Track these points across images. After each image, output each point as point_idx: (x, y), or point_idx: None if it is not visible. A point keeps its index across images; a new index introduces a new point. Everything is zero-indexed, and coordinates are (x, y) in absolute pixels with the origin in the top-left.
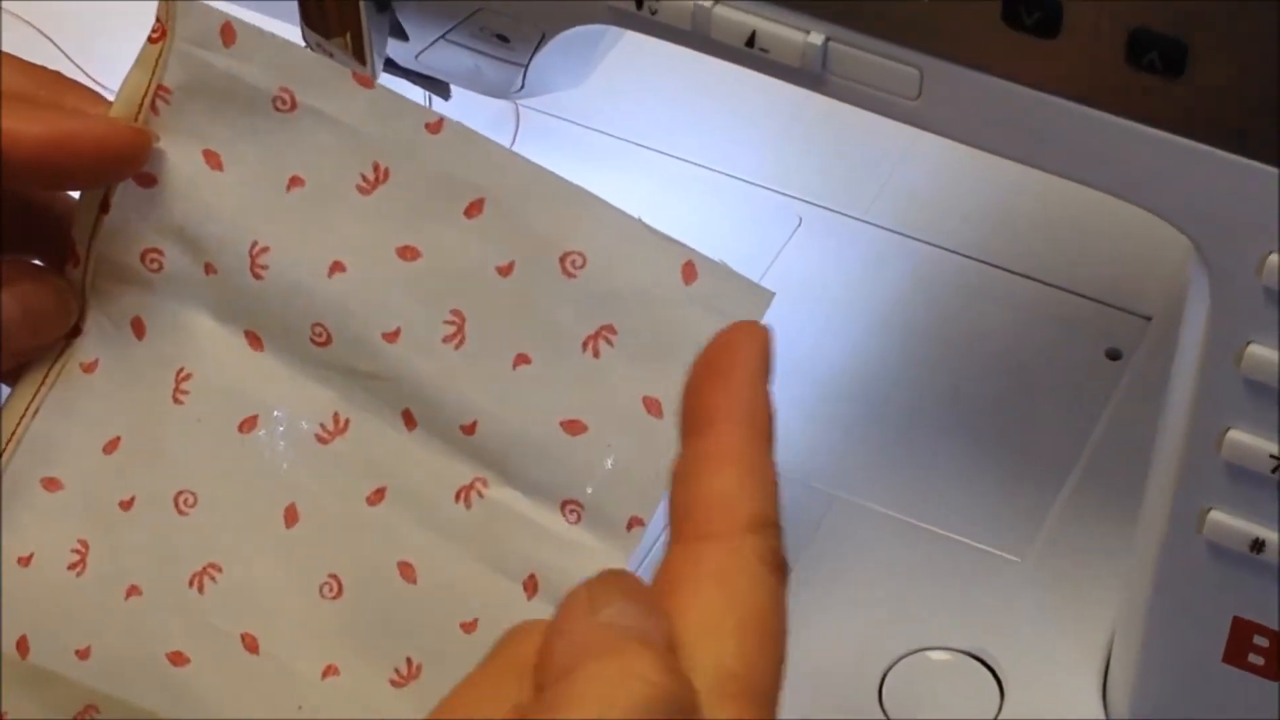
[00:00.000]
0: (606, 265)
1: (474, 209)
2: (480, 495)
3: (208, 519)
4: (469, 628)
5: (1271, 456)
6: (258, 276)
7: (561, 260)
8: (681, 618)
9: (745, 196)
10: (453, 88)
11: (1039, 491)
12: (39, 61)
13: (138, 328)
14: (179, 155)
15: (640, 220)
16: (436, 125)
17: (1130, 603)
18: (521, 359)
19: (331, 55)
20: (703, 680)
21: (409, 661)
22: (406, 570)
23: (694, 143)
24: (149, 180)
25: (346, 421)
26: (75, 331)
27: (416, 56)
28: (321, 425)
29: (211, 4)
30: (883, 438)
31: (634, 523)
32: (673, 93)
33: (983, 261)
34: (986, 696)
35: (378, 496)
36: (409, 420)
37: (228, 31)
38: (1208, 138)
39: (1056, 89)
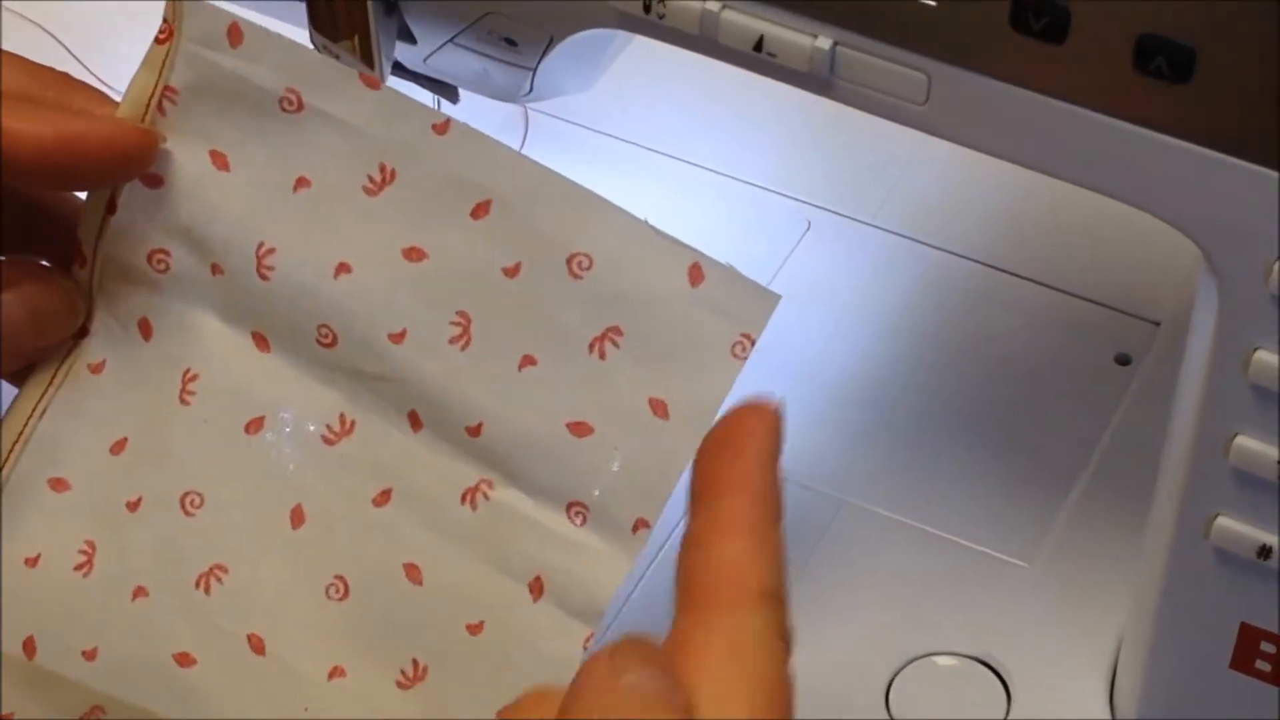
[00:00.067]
0: (613, 267)
1: (480, 210)
2: (486, 497)
3: (214, 520)
4: (475, 629)
5: (1279, 463)
6: (264, 277)
7: (568, 262)
8: (695, 686)
9: (754, 200)
10: (461, 91)
11: (1047, 497)
12: (46, 62)
13: (144, 328)
14: (186, 156)
15: (647, 222)
16: (443, 126)
17: (1138, 608)
18: (527, 360)
19: (339, 58)
20: None
21: (415, 663)
22: (412, 572)
23: (703, 147)
24: (156, 181)
25: (352, 423)
26: (82, 332)
27: (425, 60)
28: (328, 426)
29: (219, 5)
30: (891, 442)
31: (640, 525)
32: (682, 97)
33: (991, 266)
34: (993, 702)
35: (384, 498)
36: (415, 422)
37: (235, 32)
38: (1214, 144)
39: (1064, 94)
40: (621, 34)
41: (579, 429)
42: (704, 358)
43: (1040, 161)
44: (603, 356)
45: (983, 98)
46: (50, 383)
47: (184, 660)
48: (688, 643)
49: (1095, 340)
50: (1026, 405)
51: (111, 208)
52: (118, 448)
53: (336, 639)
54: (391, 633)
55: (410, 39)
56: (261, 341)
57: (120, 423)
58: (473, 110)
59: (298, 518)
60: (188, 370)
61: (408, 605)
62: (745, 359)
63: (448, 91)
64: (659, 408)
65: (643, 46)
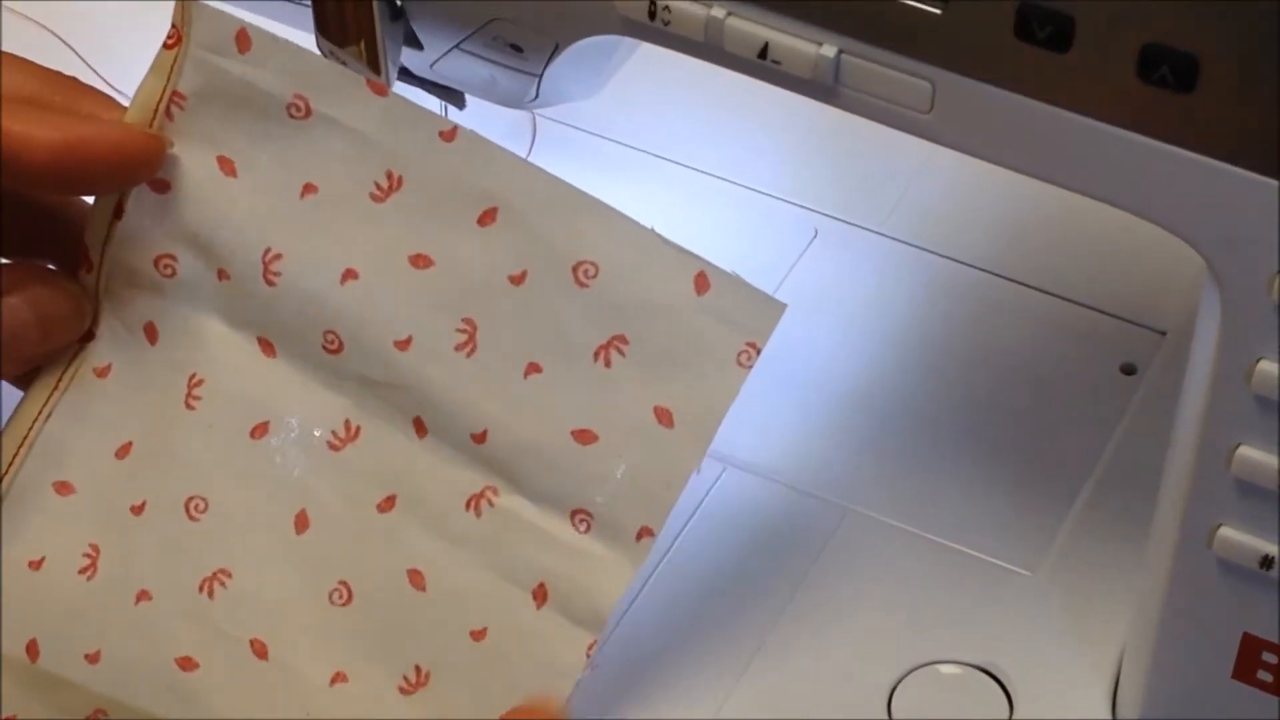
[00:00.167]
0: (619, 275)
1: (487, 217)
2: (490, 504)
3: (218, 524)
4: (478, 636)
5: None
6: (270, 283)
7: (574, 270)
8: None
9: (761, 208)
10: (468, 97)
11: (1051, 506)
12: (55, 66)
13: (150, 333)
14: (193, 161)
15: (653, 230)
16: (450, 133)
17: (1140, 618)
18: (533, 368)
19: (345, 64)
20: None
21: (418, 669)
22: (416, 578)
23: (710, 154)
24: (163, 186)
25: (358, 429)
26: (88, 336)
27: (431, 65)
28: (333, 432)
29: (226, 9)
30: (896, 450)
31: (644, 533)
32: (689, 104)
33: (998, 275)
34: (996, 711)
35: (388, 504)
36: (420, 428)
37: (243, 38)
38: (1218, 153)
39: (1068, 103)
40: (627, 41)
41: (584, 436)
42: (709, 366)
43: (1044, 170)
44: (608, 364)
45: (987, 106)
46: (56, 386)
47: (187, 664)
48: None
49: (1101, 350)
50: (1031, 414)
51: (119, 213)
52: (123, 452)
53: (339, 644)
54: (394, 638)
55: (417, 45)
56: (267, 347)
57: (125, 427)
58: (480, 116)
59: (302, 523)
60: (193, 375)
61: (411, 611)
62: (750, 367)
63: (454, 97)
64: (664, 416)
65: (651, 54)
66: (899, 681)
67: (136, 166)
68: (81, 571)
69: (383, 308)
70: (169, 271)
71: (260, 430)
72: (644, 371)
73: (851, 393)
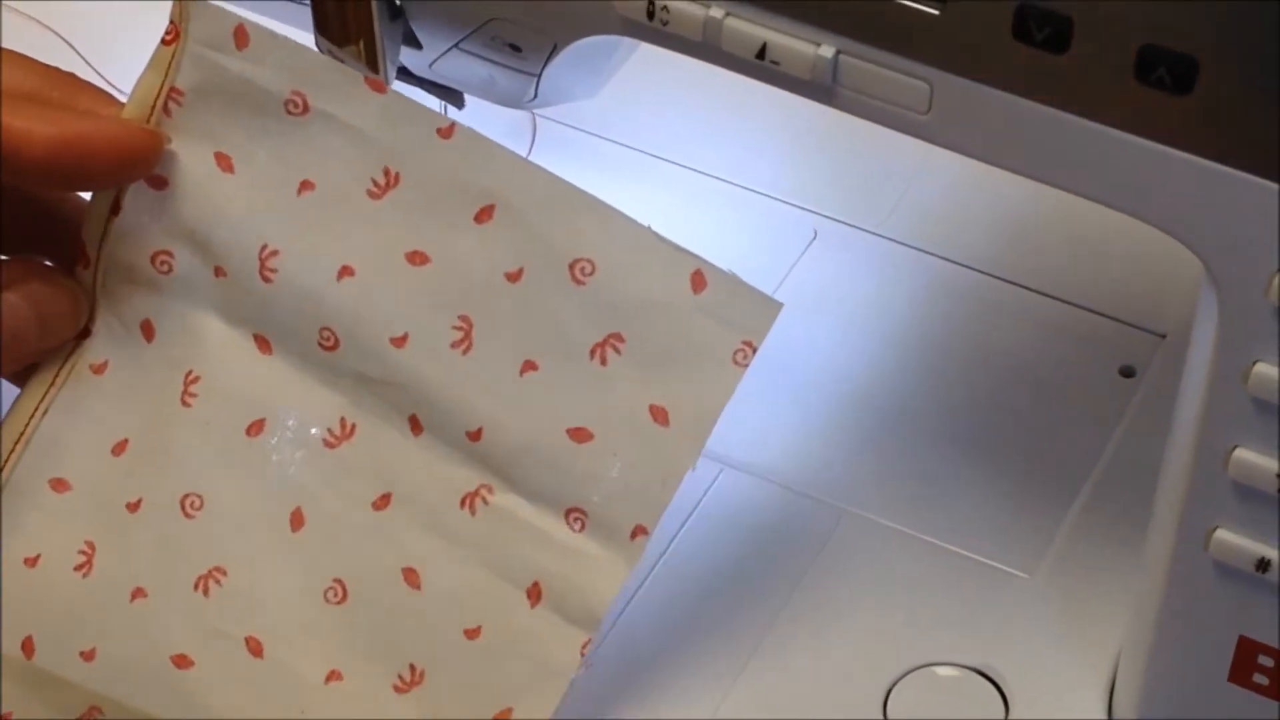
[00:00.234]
0: (616, 273)
1: (484, 215)
2: (485, 502)
3: (214, 522)
4: (472, 634)
5: (1278, 476)
6: (267, 280)
7: (571, 267)
8: None
9: (761, 209)
10: (467, 97)
11: (1049, 508)
12: (54, 63)
13: (147, 330)
14: (191, 157)
15: (650, 229)
16: (448, 130)
17: (1137, 620)
18: (529, 365)
19: (344, 62)
20: None
21: (412, 667)
22: (411, 576)
23: (710, 155)
24: (160, 182)
25: (353, 426)
26: (85, 333)
27: (430, 65)
28: (329, 430)
29: (225, 6)
30: (894, 452)
31: (638, 532)
32: (689, 105)
33: (998, 277)
34: (991, 712)
35: (383, 502)
36: (415, 426)
37: (241, 34)
38: (1216, 154)
39: (1065, 104)
40: (627, 41)
41: (579, 435)
42: (705, 365)
43: (1041, 171)
44: (604, 363)
45: (985, 107)
46: (52, 383)
47: (182, 662)
48: None
49: (1100, 352)
50: (1030, 416)
51: (116, 209)
52: (119, 448)
53: (334, 642)
54: (389, 636)
55: (416, 44)
56: (264, 344)
57: (121, 423)
58: (481, 116)
59: (297, 520)
60: (190, 372)
61: (406, 609)
62: (746, 366)
63: (453, 97)
64: (659, 415)
65: (651, 54)
66: (895, 683)
67: (134, 162)
68: (77, 569)
69: (379, 305)
70: (166, 268)
71: (256, 428)
72: (640, 370)
73: (850, 394)
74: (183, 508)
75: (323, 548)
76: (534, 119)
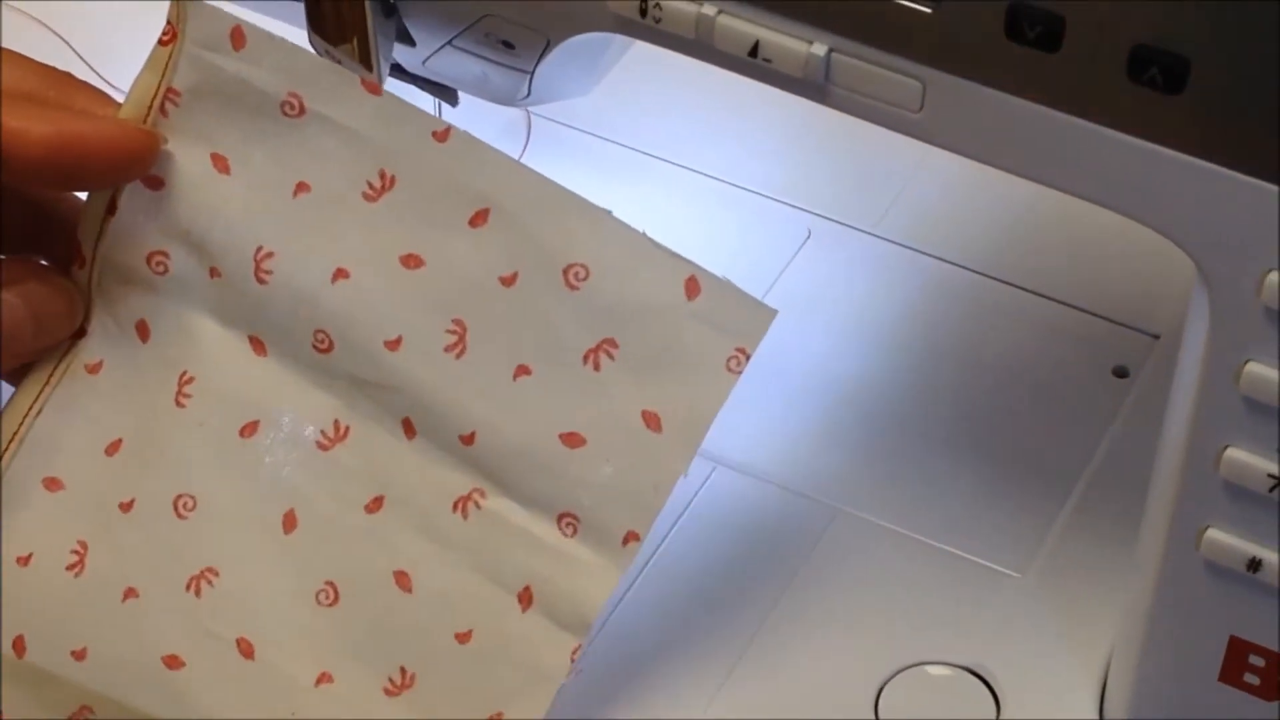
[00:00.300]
0: (610, 279)
1: (479, 219)
2: (478, 506)
3: (206, 523)
4: (463, 638)
5: (1269, 475)
6: (262, 281)
7: (565, 272)
8: None
9: (755, 208)
10: (461, 94)
11: (1041, 507)
12: (52, 62)
13: (142, 330)
14: (187, 158)
15: (645, 234)
16: (444, 134)
17: (1128, 620)
18: (522, 370)
19: (340, 61)
20: None
21: (403, 670)
22: (402, 579)
23: (705, 154)
24: (156, 183)
25: (347, 429)
26: (80, 332)
27: (424, 62)
28: (322, 432)
29: (220, 5)
30: (886, 451)
31: (630, 537)
32: (684, 104)
33: (991, 277)
34: (983, 712)
35: (376, 504)
36: (409, 429)
37: (238, 35)
38: (1207, 154)
39: (1057, 103)
40: (619, 39)
41: (572, 440)
42: (699, 371)
43: (1033, 169)
44: (597, 368)
45: (977, 105)
46: (47, 382)
47: (173, 662)
48: None
49: (1094, 352)
50: (1023, 416)
51: (112, 209)
52: (112, 448)
53: (325, 645)
54: (380, 640)
55: (409, 41)
56: (258, 345)
57: (116, 423)
58: (476, 114)
59: (290, 522)
60: (184, 373)
61: (397, 612)
62: (740, 373)
63: (447, 94)
64: (652, 420)
65: (645, 53)
66: (887, 682)
67: (130, 162)
68: (69, 568)
69: (373, 307)
70: (161, 268)
71: (250, 429)
72: (633, 375)
73: (843, 392)
74: (175, 508)
75: (315, 550)
76: (529, 117)
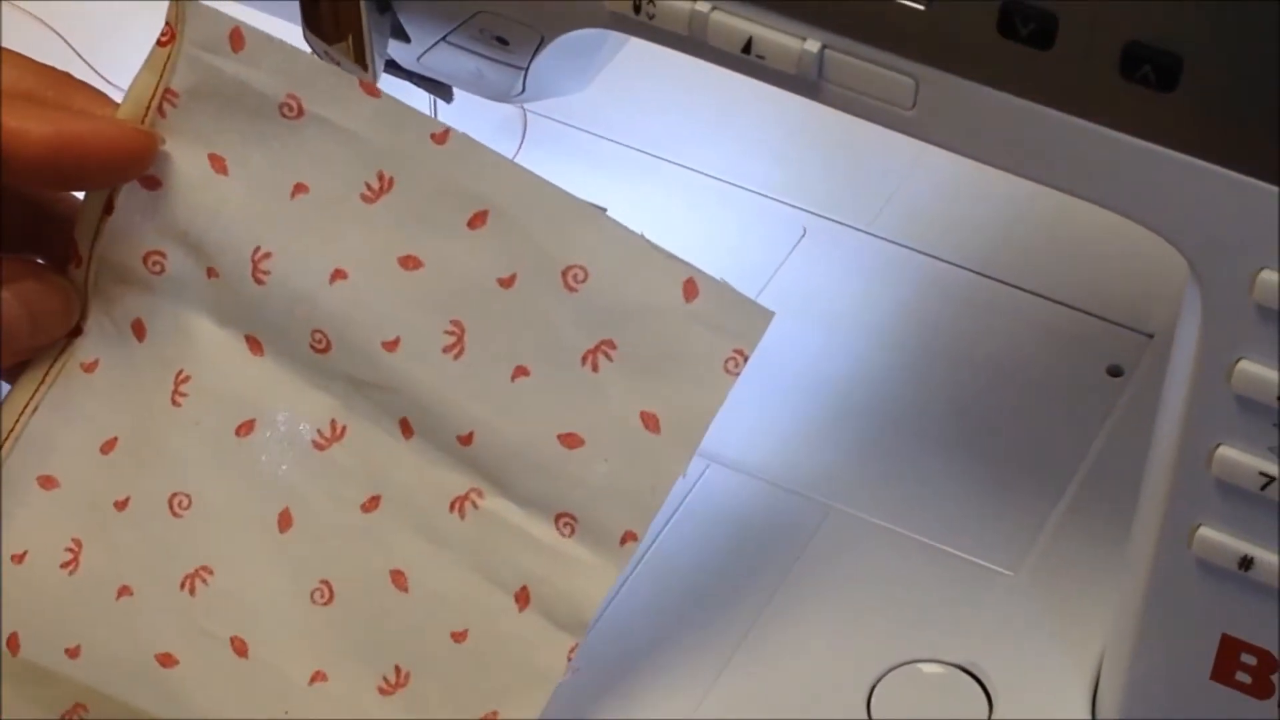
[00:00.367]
0: (608, 280)
1: (477, 220)
2: (475, 506)
3: (201, 522)
4: (459, 637)
5: (1261, 474)
6: (259, 282)
7: (563, 274)
8: None
9: (750, 206)
10: (455, 91)
11: (1034, 506)
12: (52, 62)
13: (138, 329)
14: (184, 159)
15: (643, 236)
16: (442, 136)
17: (1120, 618)
18: (520, 371)
19: (338, 62)
20: None
21: (397, 670)
22: (398, 578)
23: (700, 152)
24: (154, 183)
25: (344, 428)
26: (76, 331)
27: (418, 59)
28: (319, 431)
29: (221, 8)
30: (880, 449)
31: (628, 537)
32: (680, 101)
33: (986, 276)
34: (975, 710)
35: (372, 504)
36: (406, 429)
37: (237, 37)
38: (1199, 152)
39: (1050, 100)
40: (614, 35)
41: (570, 440)
42: (696, 373)
43: (1025, 167)
44: (595, 369)
45: (970, 103)
46: (43, 380)
47: (167, 660)
48: None
49: (1088, 351)
50: (1017, 415)
51: (109, 208)
52: (108, 447)
53: (320, 643)
54: (375, 639)
55: (404, 37)
56: (255, 345)
57: (111, 422)
58: (472, 111)
59: (285, 521)
60: (180, 372)
61: (393, 612)
62: (738, 375)
63: (442, 91)
64: (650, 421)
65: (641, 50)
66: (879, 680)
67: (128, 162)
68: (64, 566)
69: (371, 308)
70: (158, 268)
71: (246, 428)
72: (631, 377)
73: (837, 390)
74: (171, 507)
75: (310, 549)
76: (524, 114)
